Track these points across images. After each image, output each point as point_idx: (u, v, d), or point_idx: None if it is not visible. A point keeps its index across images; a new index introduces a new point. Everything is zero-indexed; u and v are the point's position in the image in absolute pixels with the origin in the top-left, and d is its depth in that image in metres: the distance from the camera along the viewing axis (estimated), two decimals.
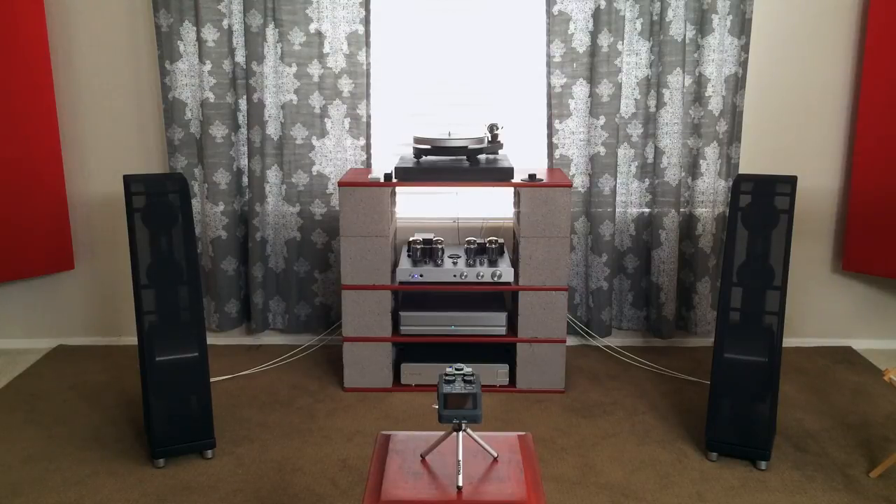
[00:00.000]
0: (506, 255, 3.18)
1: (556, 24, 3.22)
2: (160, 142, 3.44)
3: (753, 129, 3.41)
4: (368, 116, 3.34)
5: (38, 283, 3.58)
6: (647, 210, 3.42)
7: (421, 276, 3.02)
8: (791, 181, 2.42)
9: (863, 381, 3.21)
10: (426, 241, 3.12)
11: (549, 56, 3.25)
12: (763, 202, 2.43)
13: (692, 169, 3.37)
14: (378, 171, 3.13)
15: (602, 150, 3.31)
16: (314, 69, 3.28)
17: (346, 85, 3.29)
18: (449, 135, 3.05)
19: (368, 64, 3.28)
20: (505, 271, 3.01)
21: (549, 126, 3.33)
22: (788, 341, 3.62)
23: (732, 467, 2.53)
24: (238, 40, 3.25)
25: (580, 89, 3.28)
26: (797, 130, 3.42)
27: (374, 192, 2.94)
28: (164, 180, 2.44)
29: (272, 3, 3.20)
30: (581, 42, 3.24)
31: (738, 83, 3.27)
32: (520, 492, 1.53)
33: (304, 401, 3.02)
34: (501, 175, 2.96)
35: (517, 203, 3.15)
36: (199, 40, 3.21)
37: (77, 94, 3.40)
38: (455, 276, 3.01)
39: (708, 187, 3.35)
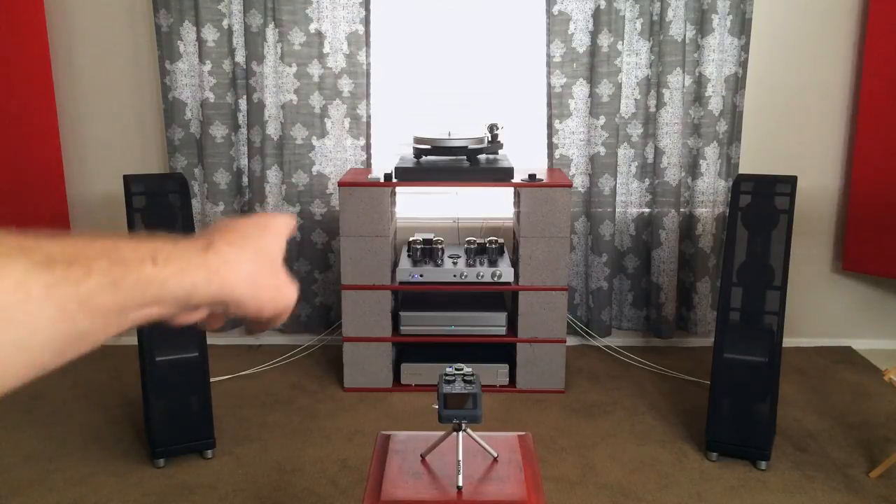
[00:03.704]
0: (506, 255, 3.17)
1: (556, 24, 3.22)
2: (160, 142, 3.44)
3: (753, 129, 3.41)
4: (368, 116, 3.34)
5: None
6: (647, 210, 3.42)
7: (421, 276, 3.01)
8: (791, 181, 2.42)
9: (863, 381, 3.21)
10: (426, 241, 3.12)
11: (549, 56, 3.25)
12: (763, 202, 2.43)
13: (692, 169, 3.37)
14: (378, 171, 3.13)
15: (602, 150, 3.31)
16: (314, 69, 3.28)
17: (346, 85, 3.29)
18: (449, 135, 3.05)
19: (368, 64, 3.28)
20: (505, 271, 3.01)
21: (549, 126, 3.33)
22: (788, 341, 3.60)
23: (732, 467, 2.53)
24: (238, 40, 3.25)
25: (580, 89, 3.28)
26: (797, 130, 3.42)
27: (374, 192, 2.94)
28: (164, 180, 2.44)
29: (272, 3, 3.20)
30: (581, 42, 3.24)
31: (738, 83, 3.27)
32: (520, 492, 1.53)
33: (304, 401, 3.02)
34: (501, 175, 2.96)
35: (517, 203, 3.15)
36: (199, 40, 3.21)
37: (77, 94, 3.40)
38: (455, 276, 3.01)
39: (708, 187, 3.34)
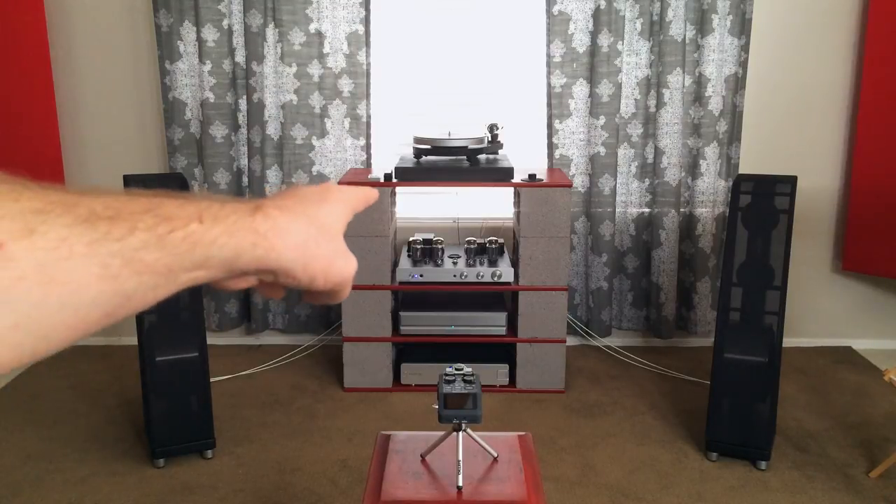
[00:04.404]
0: (506, 255, 3.17)
1: (556, 24, 3.22)
2: (160, 142, 3.44)
3: (753, 129, 3.41)
4: (368, 116, 3.34)
5: None
6: (647, 210, 3.42)
7: (421, 276, 3.01)
8: (791, 181, 2.42)
9: (863, 381, 3.21)
10: (426, 241, 3.12)
11: (549, 56, 3.25)
12: (763, 202, 2.43)
13: (692, 169, 3.37)
14: (378, 171, 3.13)
15: (602, 150, 3.31)
16: (314, 69, 3.28)
17: (346, 85, 3.29)
18: (449, 135, 3.05)
19: (368, 64, 3.28)
20: (505, 271, 3.01)
21: (549, 126, 3.33)
22: (788, 341, 3.60)
23: (732, 467, 2.53)
24: (238, 40, 3.25)
25: (580, 89, 3.28)
26: (797, 130, 3.42)
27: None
28: (163, 180, 2.44)
29: (272, 3, 3.20)
30: (581, 42, 3.24)
31: (738, 83, 3.26)
32: (520, 492, 1.53)
33: (304, 401, 3.02)
34: (501, 175, 2.96)
35: (517, 203, 3.15)
36: (199, 40, 3.21)
37: (77, 94, 3.40)
38: (455, 276, 3.01)
39: (708, 187, 3.35)
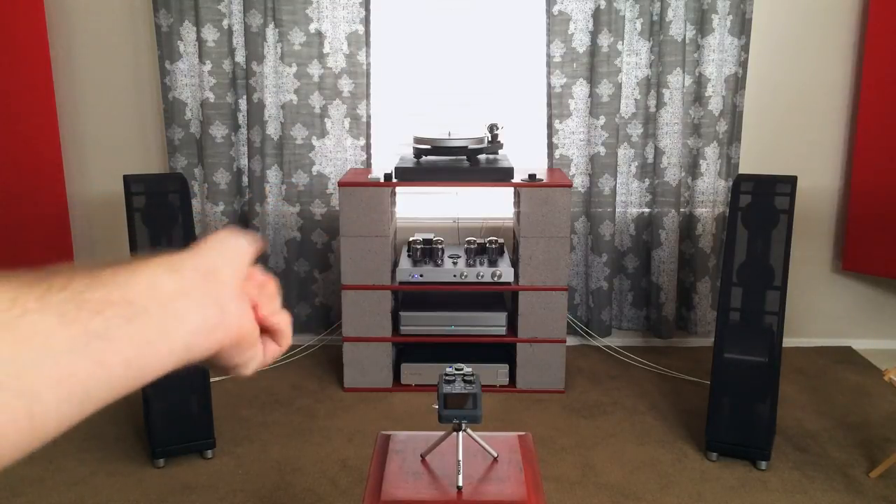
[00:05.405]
0: (506, 255, 3.17)
1: (556, 24, 3.22)
2: (160, 142, 3.44)
3: (753, 129, 3.41)
4: (368, 116, 3.34)
5: None
6: (647, 210, 3.42)
7: (421, 276, 3.01)
8: (791, 181, 2.42)
9: (863, 381, 3.21)
10: (426, 241, 3.12)
11: (549, 56, 3.25)
12: (763, 202, 2.43)
13: (692, 169, 3.37)
14: (378, 171, 3.13)
15: (602, 150, 3.31)
16: (314, 69, 3.28)
17: (346, 85, 3.29)
18: (449, 135, 3.05)
19: (368, 64, 3.28)
20: (505, 271, 3.01)
21: (549, 126, 3.33)
22: (788, 341, 3.60)
23: (732, 467, 2.53)
24: (238, 40, 3.25)
25: (580, 89, 3.28)
26: (797, 130, 3.42)
27: (374, 192, 2.94)
28: (164, 180, 2.44)
29: (272, 3, 3.20)
30: (581, 42, 3.24)
31: (738, 83, 3.26)
32: (520, 492, 1.53)
33: (304, 401, 3.02)
34: (501, 175, 2.96)
35: (517, 203, 3.15)
36: (199, 40, 3.21)
37: (77, 94, 3.40)
38: (455, 276, 3.01)
39: (708, 187, 3.34)
